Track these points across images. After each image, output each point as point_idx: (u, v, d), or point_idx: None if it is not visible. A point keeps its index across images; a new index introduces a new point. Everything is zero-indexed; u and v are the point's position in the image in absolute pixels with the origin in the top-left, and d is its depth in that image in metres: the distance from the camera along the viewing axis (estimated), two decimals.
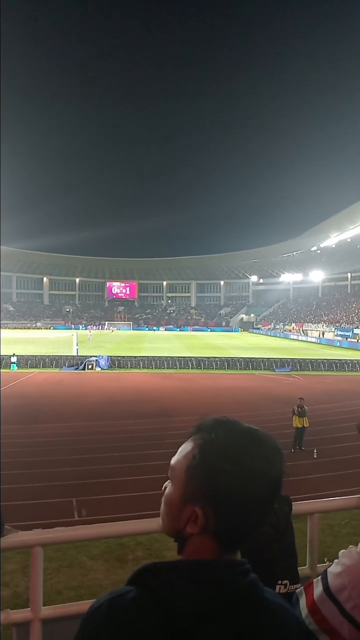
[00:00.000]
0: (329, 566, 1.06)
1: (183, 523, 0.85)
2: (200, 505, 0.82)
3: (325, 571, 1.03)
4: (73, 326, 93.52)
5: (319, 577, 1.04)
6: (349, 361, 35.63)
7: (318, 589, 1.01)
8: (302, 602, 1.04)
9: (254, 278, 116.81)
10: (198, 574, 0.79)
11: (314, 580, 1.05)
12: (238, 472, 0.80)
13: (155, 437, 14.15)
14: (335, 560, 1.04)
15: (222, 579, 0.79)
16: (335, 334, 65.98)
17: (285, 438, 13.68)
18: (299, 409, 14.08)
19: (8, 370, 30.71)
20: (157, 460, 11.45)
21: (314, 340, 67.49)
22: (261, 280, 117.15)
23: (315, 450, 13.27)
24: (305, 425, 13.92)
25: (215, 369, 34.20)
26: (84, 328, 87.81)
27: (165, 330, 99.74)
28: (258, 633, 0.79)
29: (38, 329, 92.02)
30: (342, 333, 64.33)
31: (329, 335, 66.80)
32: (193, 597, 0.77)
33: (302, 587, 1.08)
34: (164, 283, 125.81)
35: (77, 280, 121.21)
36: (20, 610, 1.61)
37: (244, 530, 0.84)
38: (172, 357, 36.33)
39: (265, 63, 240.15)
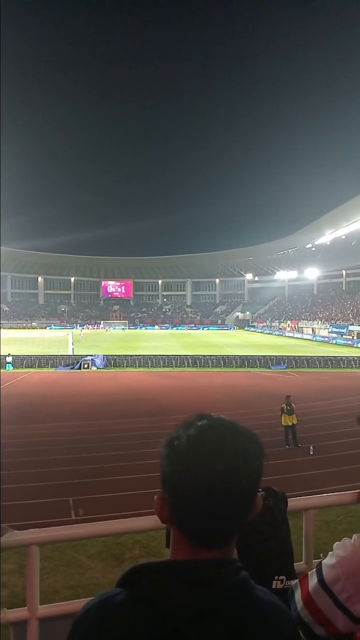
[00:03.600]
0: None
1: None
2: (159, 494, 0.86)
3: (320, 563, 1.05)
4: (69, 325, 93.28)
5: (314, 570, 1.05)
6: (344, 358, 35.79)
7: (313, 581, 1.02)
8: (298, 594, 1.05)
9: (249, 276, 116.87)
10: (188, 574, 0.79)
11: (309, 572, 1.07)
12: (181, 463, 0.81)
13: (151, 435, 14.14)
14: (330, 552, 1.05)
15: (212, 578, 0.79)
16: (330, 331, 66.19)
17: (281, 435, 13.74)
18: (288, 407, 14.07)
19: (4, 371, 30.58)
20: (153, 459, 11.43)
21: (309, 337, 67.67)
22: (256, 278, 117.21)
23: (311, 447, 13.31)
24: (294, 423, 13.93)
25: (211, 367, 34.24)
26: (80, 327, 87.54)
27: (161, 328, 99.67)
28: (250, 632, 0.78)
29: (33, 328, 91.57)
30: (337, 330, 64.56)
31: (323, 332, 66.99)
32: (183, 597, 0.77)
33: (297, 580, 1.10)
34: (159, 281, 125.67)
35: (72, 279, 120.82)
36: (17, 609, 1.61)
37: (203, 524, 0.81)
38: (168, 355, 36.34)
39: (260, 60, 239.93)
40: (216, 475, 0.80)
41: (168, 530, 0.88)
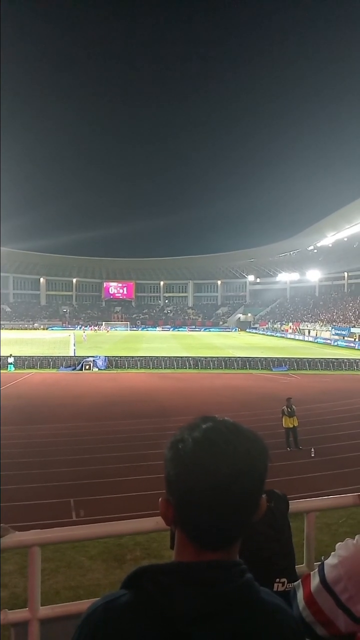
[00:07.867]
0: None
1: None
2: (164, 496, 0.86)
3: (322, 563, 1.05)
4: (70, 327, 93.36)
5: (317, 570, 1.05)
6: (345, 360, 35.72)
7: (315, 581, 1.03)
8: (299, 594, 1.05)
9: (251, 278, 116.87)
10: (192, 576, 0.79)
11: (312, 572, 1.07)
12: (186, 466, 0.81)
13: (152, 437, 14.14)
14: (332, 553, 1.05)
15: (217, 580, 0.79)
16: (332, 333, 66.12)
17: (282, 437, 13.72)
18: (289, 409, 14.03)
19: (5, 371, 30.62)
20: (154, 460, 11.44)
21: (310, 339, 67.62)
22: (258, 280, 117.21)
23: (312, 449, 13.29)
24: (295, 425, 13.89)
25: (213, 368, 34.21)
26: (83, 328, 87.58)
27: (162, 330, 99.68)
28: (254, 634, 0.79)
29: (35, 329, 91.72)
30: (338, 332, 64.47)
31: (325, 334, 66.94)
32: (188, 599, 0.77)
33: (299, 580, 1.10)
34: (161, 283, 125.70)
35: (74, 280, 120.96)
36: (18, 610, 1.62)
37: (208, 526, 0.81)
38: (169, 357, 36.32)
39: (261, 63, 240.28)
40: (221, 478, 0.79)
41: (172, 531, 0.88)
